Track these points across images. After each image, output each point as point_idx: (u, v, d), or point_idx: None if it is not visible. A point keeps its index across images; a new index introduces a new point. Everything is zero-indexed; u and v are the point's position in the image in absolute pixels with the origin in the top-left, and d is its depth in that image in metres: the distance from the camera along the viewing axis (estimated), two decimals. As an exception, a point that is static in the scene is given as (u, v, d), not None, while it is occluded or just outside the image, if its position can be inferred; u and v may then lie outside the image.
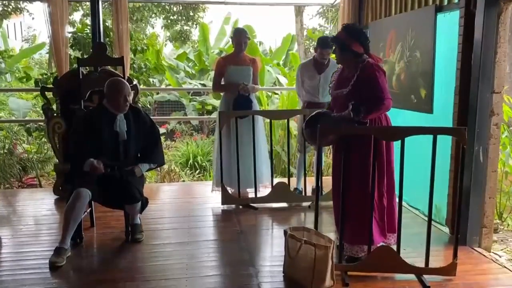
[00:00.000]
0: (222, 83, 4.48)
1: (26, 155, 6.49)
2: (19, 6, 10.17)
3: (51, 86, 4.69)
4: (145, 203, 3.47)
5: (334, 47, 3.13)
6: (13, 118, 7.62)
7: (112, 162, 3.34)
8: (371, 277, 2.88)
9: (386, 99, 2.92)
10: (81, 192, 3.14)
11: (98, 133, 3.29)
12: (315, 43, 4.42)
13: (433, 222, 3.69)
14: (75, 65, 4.70)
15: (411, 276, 2.86)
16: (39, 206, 4.47)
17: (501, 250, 3.88)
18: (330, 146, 4.17)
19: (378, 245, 3.01)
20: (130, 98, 3.41)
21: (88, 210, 3.73)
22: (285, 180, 4.51)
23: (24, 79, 6.85)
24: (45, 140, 6.17)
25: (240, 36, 4.35)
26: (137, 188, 3.33)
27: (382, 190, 3.04)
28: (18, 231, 3.80)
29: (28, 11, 10.82)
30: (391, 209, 3.08)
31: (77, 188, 3.16)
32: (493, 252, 3.41)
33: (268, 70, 10.42)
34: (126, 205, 3.38)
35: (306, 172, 4.49)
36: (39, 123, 6.13)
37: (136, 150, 3.45)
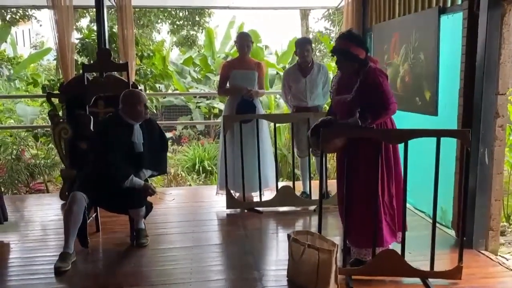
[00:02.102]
0: (227, 87, 4.49)
1: (34, 160, 6.54)
2: (27, 13, 10.28)
3: (57, 92, 4.73)
4: (149, 208, 3.49)
5: (336, 59, 3.03)
6: (20, 124, 7.69)
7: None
8: (375, 280, 2.86)
9: (392, 104, 2.93)
10: (76, 195, 3.15)
11: (114, 144, 3.29)
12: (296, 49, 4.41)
13: (439, 225, 3.69)
14: (81, 71, 4.74)
15: (416, 280, 2.84)
16: (46, 211, 4.50)
17: (508, 253, 3.83)
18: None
19: (390, 246, 3.00)
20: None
21: (94, 215, 3.75)
22: (290, 183, 4.51)
23: (32, 85, 6.91)
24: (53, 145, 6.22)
25: (243, 40, 4.37)
26: (141, 193, 3.34)
27: (391, 192, 3.03)
28: (25, 236, 3.83)
29: (36, 18, 10.94)
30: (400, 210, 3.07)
31: (73, 192, 3.19)
32: (500, 255, 3.37)
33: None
34: (130, 210, 3.39)
35: (311, 175, 4.48)
36: (46, 128, 6.18)
37: (148, 161, 3.45)
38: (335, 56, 3.03)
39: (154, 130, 3.52)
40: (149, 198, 3.47)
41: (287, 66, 11.41)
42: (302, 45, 4.32)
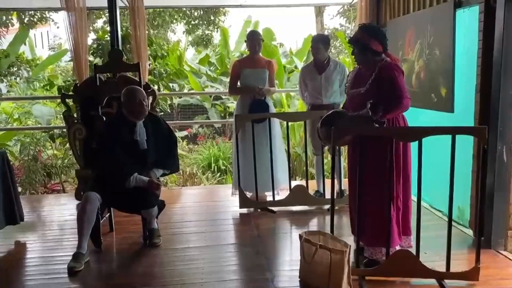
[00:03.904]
0: (238, 85, 4.47)
1: (51, 161, 6.63)
2: (45, 15, 10.43)
3: (71, 93, 4.77)
4: (161, 206, 3.49)
5: (352, 49, 3.07)
6: (37, 125, 7.81)
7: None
8: (389, 281, 2.80)
9: (405, 99, 2.89)
10: (90, 195, 3.17)
11: (118, 142, 3.30)
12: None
13: (457, 225, 3.62)
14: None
15: (432, 281, 2.78)
16: (62, 211, 4.55)
17: (529, 253, 3.72)
18: (346, 148, 4.11)
19: (397, 247, 2.95)
20: (147, 103, 3.42)
21: (107, 215, 3.78)
22: (304, 182, 4.46)
23: (48, 86, 7.02)
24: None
25: (254, 39, 4.34)
26: (152, 193, 3.34)
27: (397, 191, 2.97)
28: (41, 236, 3.88)
29: (53, 20, 11.10)
30: (406, 211, 3.01)
31: (86, 192, 3.20)
32: (520, 256, 3.28)
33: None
34: (142, 210, 3.40)
35: (326, 174, 4.43)
36: (63, 129, 6.26)
37: (155, 158, 3.44)
38: (351, 46, 3.07)
39: (161, 128, 3.50)
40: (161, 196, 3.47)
41: (302, 63, 11.38)
42: (313, 43, 4.29)
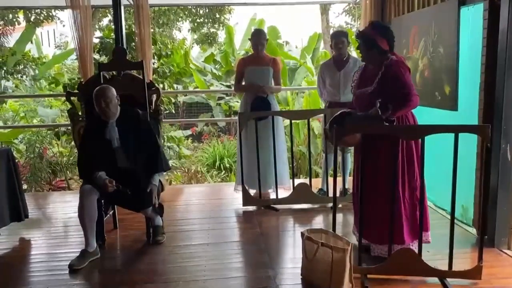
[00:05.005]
0: (243, 83, 4.48)
1: (56, 158, 6.67)
2: (51, 14, 10.50)
3: (76, 91, 4.79)
4: (160, 208, 3.52)
5: (359, 43, 3.07)
6: (42, 123, 7.85)
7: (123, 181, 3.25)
8: (391, 280, 2.80)
9: (413, 96, 2.88)
10: (84, 189, 3.17)
11: (93, 142, 3.30)
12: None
13: (460, 223, 3.61)
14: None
15: (434, 280, 2.77)
16: (66, 208, 4.57)
17: (533, 252, 3.70)
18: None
19: (411, 244, 2.96)
20: (116, 102, 3.33)
21: (111, 213, 3.80)
22: (307, 181, 4.46)
23: (53, 85, 7.07)
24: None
25: (256, 39, 4.33)
26: (148, 193, 3.30)
27: (412, 187, 2.98)
28: (46, 233, 3.91)
29: (59, 18, 11.17)
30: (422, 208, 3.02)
31: (82, 186, 3.22)
32: (523, 255, 3.26)
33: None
34: (138, 210, 3.40)
35: (331, 172, 4.42)
36: (68, 127, 6.29)
37: (137, 155, 3.33)
38: (358, 40, 3.07)
39: (140, 126, 3.39)
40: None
41: (308, 61, 11.37)
42: (337, 37, 4.27)
